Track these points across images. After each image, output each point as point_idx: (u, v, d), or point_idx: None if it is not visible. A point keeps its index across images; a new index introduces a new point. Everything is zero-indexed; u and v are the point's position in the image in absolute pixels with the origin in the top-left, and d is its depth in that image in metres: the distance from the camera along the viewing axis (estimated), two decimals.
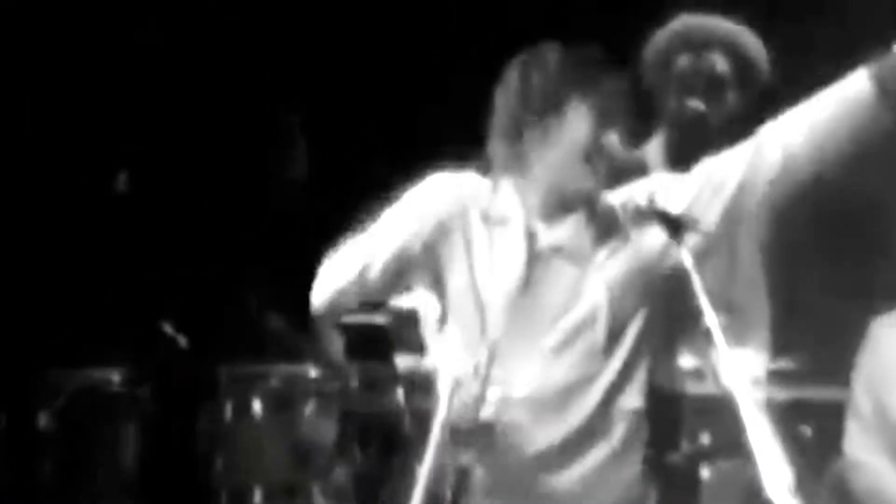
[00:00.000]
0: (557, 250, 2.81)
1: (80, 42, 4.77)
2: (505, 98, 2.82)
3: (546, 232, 2.82)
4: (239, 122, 4.83)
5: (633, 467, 2.87)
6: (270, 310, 4.22)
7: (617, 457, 2.84)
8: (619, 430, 2.83)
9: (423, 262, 2.87)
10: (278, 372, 4.26)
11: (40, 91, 4.75)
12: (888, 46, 2.65)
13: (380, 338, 4.17)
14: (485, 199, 2.85)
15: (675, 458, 3.06)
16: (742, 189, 2.72)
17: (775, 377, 3.25)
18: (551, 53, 2.80)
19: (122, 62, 4.77)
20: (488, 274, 2.82)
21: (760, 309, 3.26)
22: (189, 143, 4.76)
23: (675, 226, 2.58)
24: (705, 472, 3.10)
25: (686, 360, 3.06)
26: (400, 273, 2.88)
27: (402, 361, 4.25)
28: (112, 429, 4.20)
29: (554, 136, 2.77)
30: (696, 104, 3.24)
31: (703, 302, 2.44)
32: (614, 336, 2.82)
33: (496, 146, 2.83)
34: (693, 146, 3.22)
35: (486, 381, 2.69)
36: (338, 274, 2.95)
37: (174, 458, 4.19)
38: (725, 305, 2.58)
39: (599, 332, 2.81)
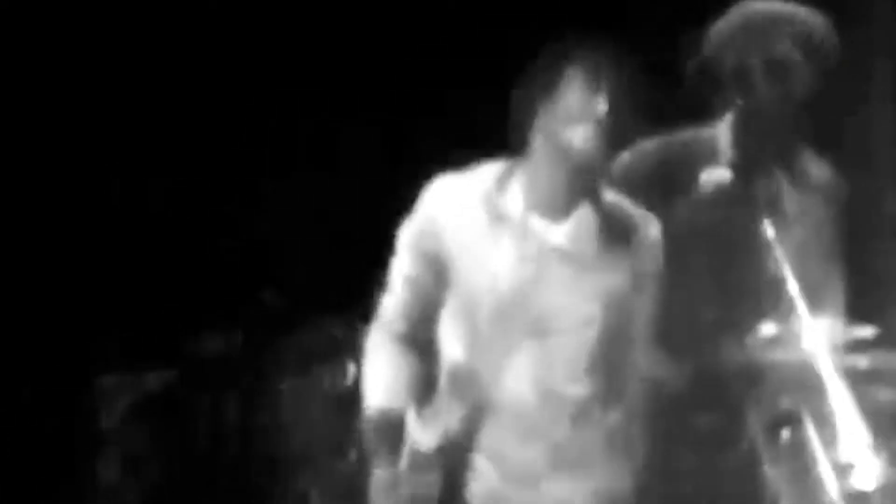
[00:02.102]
0: (555, 250, 2.72)
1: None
2: (518, 87, 2.79)
3: (546, 230, 2.73)
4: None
5: (611, 478, 2.75)
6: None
7: (594, 471, 2.73)
8: (597, 446, 2.73)
9: (442, 284, 2.80)
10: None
11: (105, 77, 4.83)
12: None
13: None
14: (489, 196, 2.77)
15: (755, 422, 3.08)
16: None
17: (854, 344, 3.24)
18: (553, 50, 2.76)
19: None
20: (483, 273, 2.73)
21: (834, 279, 3.23)
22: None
23: (761, 202, 2.60)
24: (785, 435, 3.11)
25: (767, 328, 3.06)
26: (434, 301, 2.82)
27: None
28: (220, 390, 4.33)
29: (551, 108, 2.71)
30: (771, 91, 3.14)
31: (785, 271, 2.46)
32: (601, 357, 2.73)
33: (512, 140, 2.79)
34: (766, 130, 3.20)
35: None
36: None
37: (277, 418, 4.28)
38: (802, 276, 2.59)
39: (584, 353, 2.72)
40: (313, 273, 4.33)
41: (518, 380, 2.70)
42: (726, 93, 3.19)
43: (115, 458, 4.36)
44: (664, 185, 3.08)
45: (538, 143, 2.74)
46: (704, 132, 3.22)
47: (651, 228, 2.79)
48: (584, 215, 2.74)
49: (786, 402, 3.09)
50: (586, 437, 2.72)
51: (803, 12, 3.22)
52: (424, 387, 2.79)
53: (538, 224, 2.73)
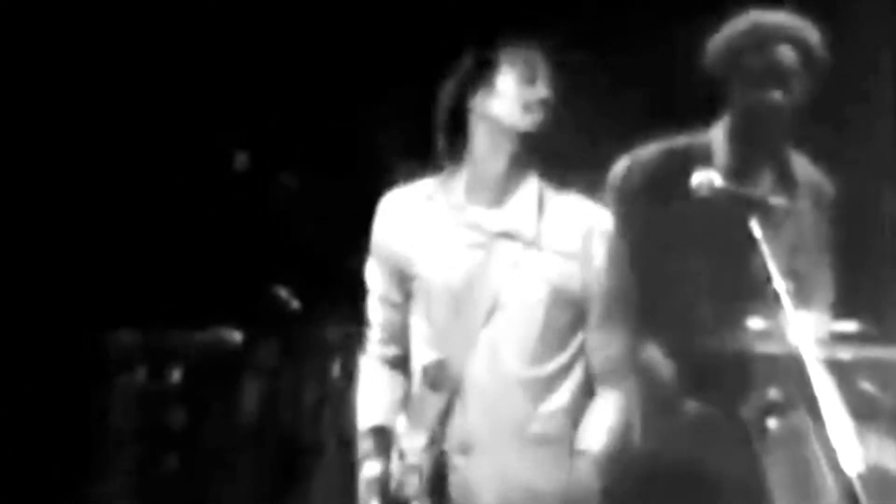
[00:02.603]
0: (498, 234, 2.80)
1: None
2: (444, 90, 2.89)
3: (487, 216, 2.80)
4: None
5: (556, 463, 2.79)
6: None
7: (542, 455, 2.78)
8: (545, 431, 2.78)
9: (408, 294, 2.87)
10: None
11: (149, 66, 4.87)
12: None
13: None
14: (432, 197, 2.85)
15: (745, 411, 3.18)
16: None
17: (839, 338, 3.34)
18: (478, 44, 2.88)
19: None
20: (435, 268, 2.80)
21: (823, 276, 3.36)
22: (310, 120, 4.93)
23: (749, 203, 2.71)
24: (773, 424, 3.22)
25: (755, 322, 3.17)
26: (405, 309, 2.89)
27: None
28: (234, 383, 4.42)
29: (490, 104, 2.81)
30: (771, 95, 3.26)
31: (772, 269, 2.57)
32: (552, 335, 2.78)
33: (439, 139, 2.88)
34: (763, 134, 3.33)
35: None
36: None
37: (288, 410, 4.37)
38: (791, 273, 2.69)
39: (536, 332, 2.77)
40: (323, 270, 4.41)
41: (477, 364, 2.76)
42: (726, 97, 3.31)
43: (130, 453, 4.44)
44: (663, 190, 3.19)
45: (479, 133, 2.83)
46: (700, 137, 3.33)
47: (599, 219, 2.84)
48: (523, 199, 2.81)
49: (773, 393, 3.21)
50: (545, 415, 2.77)
51: (802, 23, 3.33)
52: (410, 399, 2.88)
53: (479, 212, 2.81)
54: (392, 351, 2.92)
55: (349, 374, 4.36)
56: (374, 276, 2.91)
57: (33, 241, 4.82)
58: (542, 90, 2.81)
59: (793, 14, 3.35)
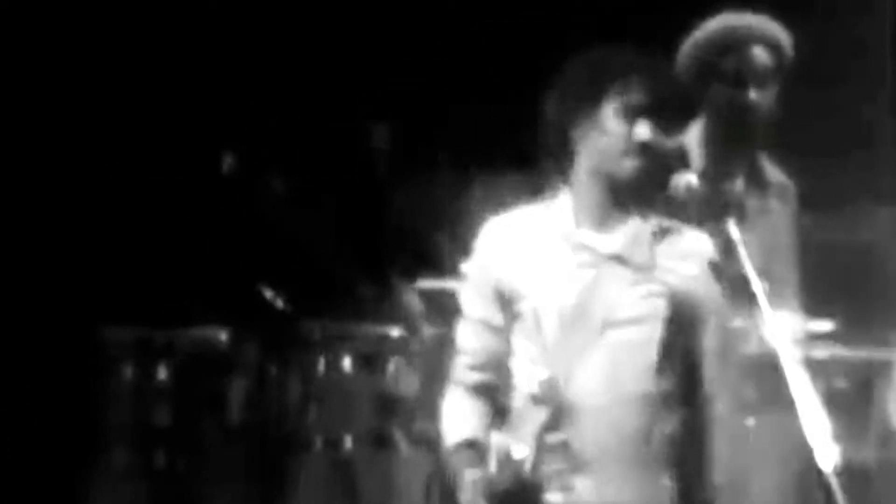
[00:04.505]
0: (610, 257, 2.72)
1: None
2: (548, 108, 2.76)
3: (598, 240, 2.73)
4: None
5: (661, 489, 2.72)
6: (362, 278, 4.42)
7: (649, 478, 2.71)
8: (655, 453, 2.70)
9: (510, 317, 2.78)
10: (366, 332, 4.47)
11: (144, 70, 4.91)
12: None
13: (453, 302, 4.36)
14: (538, 220, 2.77)
15: (723, 409, 3.22)
16: None
17: (814, 337, 3.37)
18: (584, 58, 2.74)
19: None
20: (544, 289, 2.72)
21: (794, 275, 3.39)
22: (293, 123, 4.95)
23: (724, 204, 2.75)
24: (751, 422, 3.25)
25: (734, 321, 3.19)
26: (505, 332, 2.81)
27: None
28: (221, 381, 4.45)
29: (593, 137, 2.70)
30: (746, 95, 3.30)
31: (749, 271, 2.60)
32: (668, 353, 2.71)
33: (546, 157, 2.77)
34: (738, 134, 3.37)
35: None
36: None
37: (274, 408, 4.41)
38: (766, 275, 2.73)
39: (653, 349, 2.70)
40: (309, 269, 4.44)
41: (590, 379, 2.69)
42: (700, 99, 3.35)
43: (118, 450, 4.46)
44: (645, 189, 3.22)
45: (584, 169, 2.73)
46: (679, 139, 3.36)
47: (706, 246, 2.76)
48: (634, 228, 2.74)
49: (750, 391, 3.25)
50: (654, 435, 2.71)
51: (773, 25, 3.37)
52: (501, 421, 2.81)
53: (590, 236, 2.73)
54: (482, 377, 2.81)
55: (334, 373, 4.44)
56: (474, 301, 2.81)
57: (24, 240, 4.84)
58: (646, 131, 2.67)
59: (764, 15, 3.37)
